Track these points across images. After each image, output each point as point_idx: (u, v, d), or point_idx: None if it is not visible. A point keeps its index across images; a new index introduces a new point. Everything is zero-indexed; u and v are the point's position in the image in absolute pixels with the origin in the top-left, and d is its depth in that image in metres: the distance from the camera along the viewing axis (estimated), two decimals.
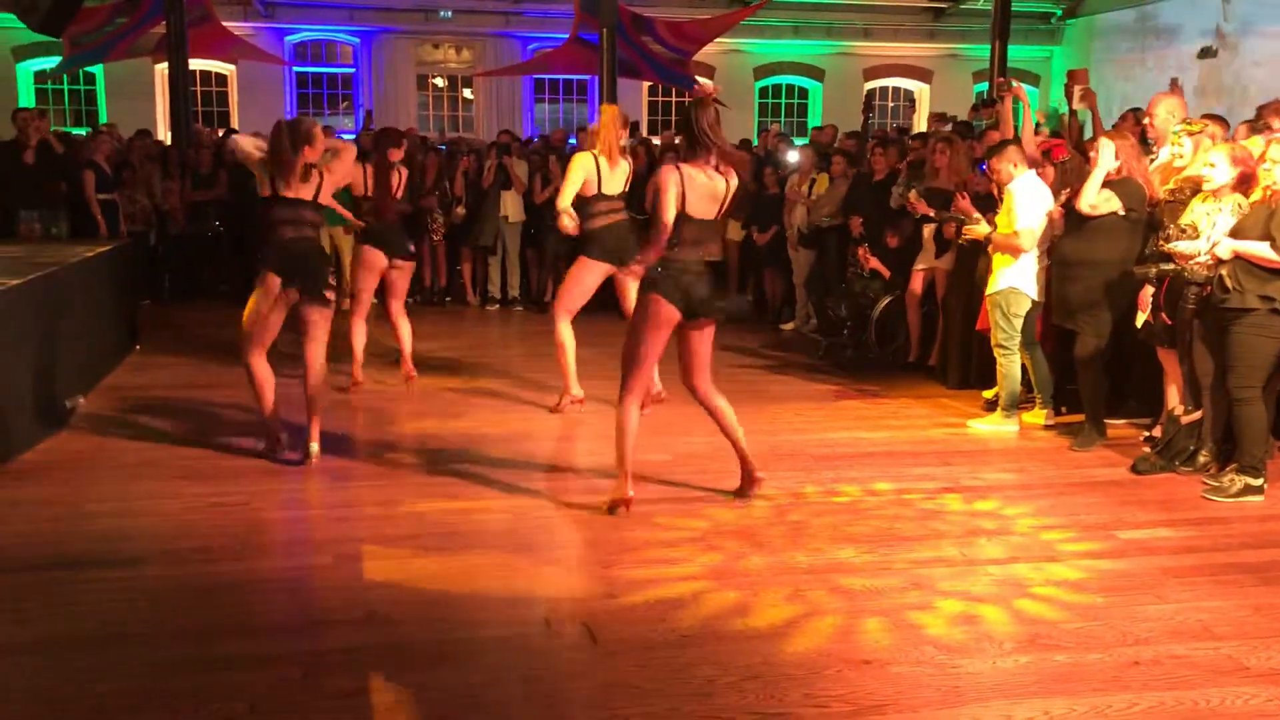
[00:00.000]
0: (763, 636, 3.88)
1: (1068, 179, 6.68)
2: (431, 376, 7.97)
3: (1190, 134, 6.09)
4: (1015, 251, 6.50)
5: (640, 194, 8.22)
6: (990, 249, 6.68)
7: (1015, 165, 6.53)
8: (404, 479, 5.66)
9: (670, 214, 4.95)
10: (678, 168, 5.00)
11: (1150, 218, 6.16)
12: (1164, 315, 5.90)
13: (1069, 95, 8.10)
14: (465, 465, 5.90)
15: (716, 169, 5.04)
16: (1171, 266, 5.61)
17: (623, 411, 5.13)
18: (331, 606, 4.13)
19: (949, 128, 10.67)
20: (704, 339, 5.21)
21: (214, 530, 4.86)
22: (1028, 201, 6.49)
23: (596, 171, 6.71)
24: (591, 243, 6.77)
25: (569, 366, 6.95)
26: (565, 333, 6.87)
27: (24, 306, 6.13)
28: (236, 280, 11.87)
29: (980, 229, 6.70)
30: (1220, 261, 5.40)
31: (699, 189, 4.99)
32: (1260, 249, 5.25)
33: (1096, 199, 6.05)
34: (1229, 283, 5.37)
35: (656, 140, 13.47)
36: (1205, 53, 17.15)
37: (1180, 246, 5.57)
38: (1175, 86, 7.64)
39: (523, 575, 4.41)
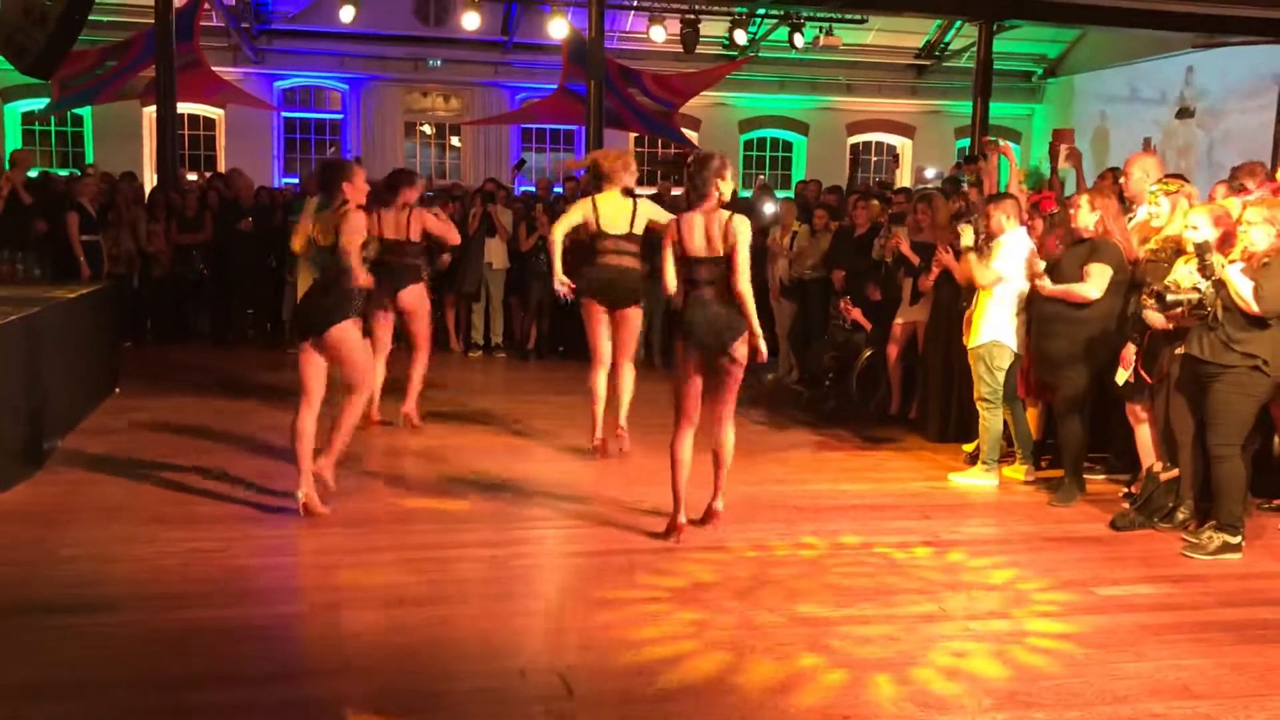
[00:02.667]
0: (741, 691, 3.85)
1: (1056, 232, 6.76)
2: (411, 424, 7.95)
3: (1167, 193, 6.17)
4: (979, 280, 6.57)
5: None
6: (973, 266, 6.70)
7: (1008, 218, 6.61)
8: (382, 526, 5.62)
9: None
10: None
11: (1132, 276, 6.23)
12: (1143, 372, 5.95)
13: (1054, 154, 8.21)
14: (443, 513, 5.87)
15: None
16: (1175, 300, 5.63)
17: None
18: (307, 656, 4.09)
19: (938, 183, 10.80)
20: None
21: (190, 576, 4.82)
22: (1011, 254, 6.57)
23: (594, 212, 6.87)
24: (580, 281, 6.96)
25: (594, 414, 7.08)
26: (594, 381, 7.04)
27: (3, 348, 6.09)
28: (219, 324, 11.88)
29: (965, 237, 6.73)
30: (1202, 313, 5.41)
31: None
32: (1244, 286, 5.29)
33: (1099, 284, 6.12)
34: (1206, 351, 5.40)
35: (643, 191, 13.57)
36: (1183, 113, 17.45)
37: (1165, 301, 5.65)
38: (1148, 147, 7.76)
39: (500, 626, 4.38)
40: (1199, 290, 5.39)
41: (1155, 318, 5.72)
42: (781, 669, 4.02)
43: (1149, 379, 5.96)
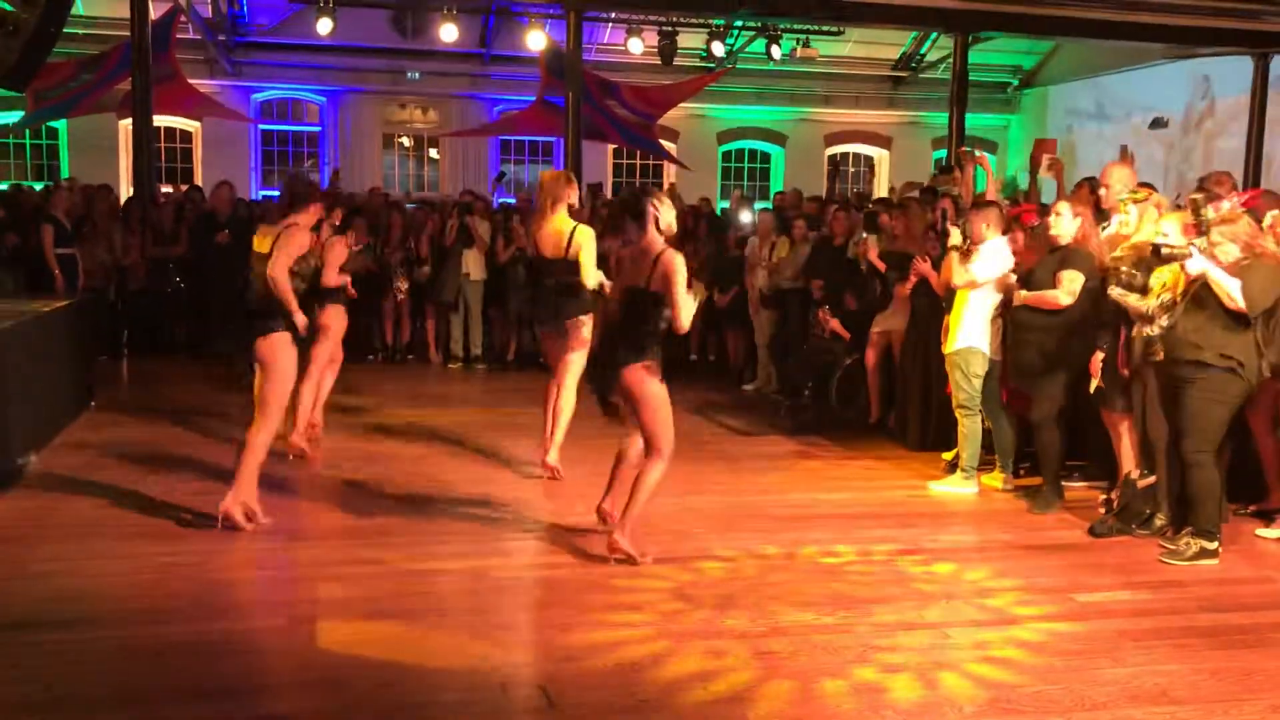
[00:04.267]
0: (723, 701, 3.84)
1: (1036, 244, 6.81)
2: (391, 436, 7.92)
3: (1136, 202, 6.22)
4: (954, 279, 6.62)
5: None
6: (953, 265, 6.74)
7: (989, 226, 6.65)
8: (361, 540, 5.59)
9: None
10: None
11: (1102, 284, 6.27)
12: (1125, 373, 5.99)
13: (1036, 163, 8.24)
14: (423, 526, 5.85)
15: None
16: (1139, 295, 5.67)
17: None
18: (284, 670, 4.06)
19: (915, 194, 10.86)
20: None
21: (165, 591, 4.77)
22: (989, 261, 6.61)
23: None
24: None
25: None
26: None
27: None
28: (195, 337, 11.80)
29: (954, 237, 6.76)
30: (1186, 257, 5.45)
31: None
32: (1230, 284, 5.32)
33: (1070, 289, 6.16)
34: (1186, 349, 5.44)
35: None
36: (1156, 123, 17.62)
37: (1130, 299, 5.68)
38: (1125, 155, 7.81)
39: (479, 638, 4.36)
40: (1194, 245, 5.41)
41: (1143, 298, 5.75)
42: (762, 678, 4.01)
43: (1126, 373, 5.99)
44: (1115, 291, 5.82)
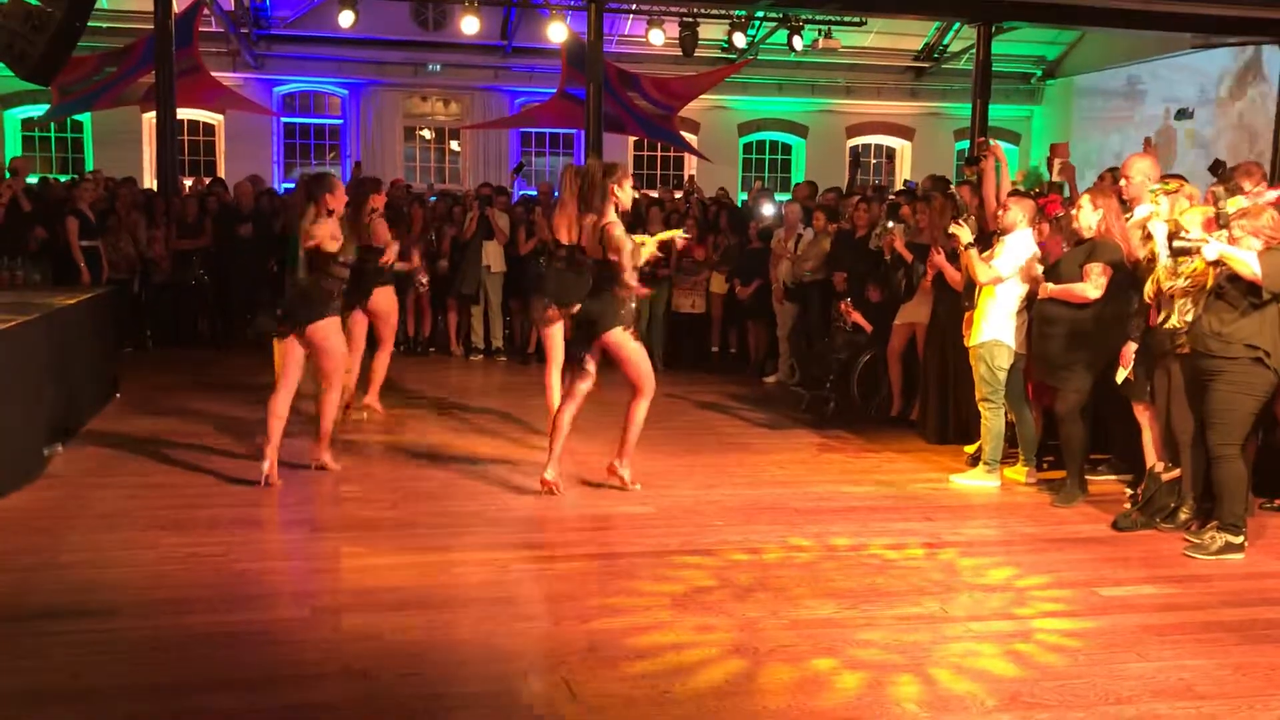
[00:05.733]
0: (745, 693, 3.84)
1: (1060, 235, 6.76)
2: (414, 427, 7.96)
3: (1167, 193, 6.16)
4: (980, 276, 6.57)
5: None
6: (963, 257, 6.70)
7: (1020, 219, 6.60)
8: (384, 530, 5.62)
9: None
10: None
11: (1131, 276, 6.22)
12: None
13: (1049, 166, 8.23)
14: (446, 517, 5.87)
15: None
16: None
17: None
18: (307, 660, 4.08)
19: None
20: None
21: (189, 582, 4.81)
22: (1014, 254, 6.57)
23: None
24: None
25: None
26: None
27: (3, 354, 6.08)
28: (219, 329, 11.88)
29: (963, 235, 6.70)
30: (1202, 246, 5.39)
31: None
32: (1247, 255, 5.26)
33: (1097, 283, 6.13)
34: (1211, 342, 5.39)
35: (653, 194, 13.62)
36: (1181, 114, 17.46)
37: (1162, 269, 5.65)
38: (1149, 147, 7.74)
39: (502, 630, 4.37)
40: (1207, 240, 5.36)
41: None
42: (784, 672, 4.01)
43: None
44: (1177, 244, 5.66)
